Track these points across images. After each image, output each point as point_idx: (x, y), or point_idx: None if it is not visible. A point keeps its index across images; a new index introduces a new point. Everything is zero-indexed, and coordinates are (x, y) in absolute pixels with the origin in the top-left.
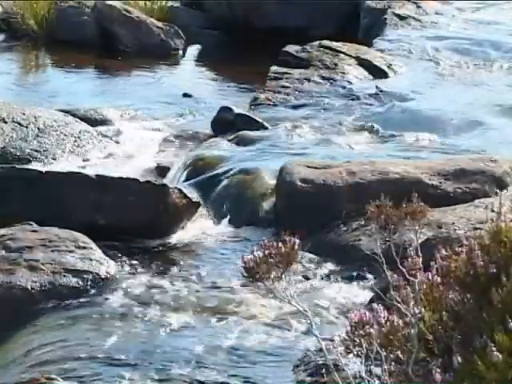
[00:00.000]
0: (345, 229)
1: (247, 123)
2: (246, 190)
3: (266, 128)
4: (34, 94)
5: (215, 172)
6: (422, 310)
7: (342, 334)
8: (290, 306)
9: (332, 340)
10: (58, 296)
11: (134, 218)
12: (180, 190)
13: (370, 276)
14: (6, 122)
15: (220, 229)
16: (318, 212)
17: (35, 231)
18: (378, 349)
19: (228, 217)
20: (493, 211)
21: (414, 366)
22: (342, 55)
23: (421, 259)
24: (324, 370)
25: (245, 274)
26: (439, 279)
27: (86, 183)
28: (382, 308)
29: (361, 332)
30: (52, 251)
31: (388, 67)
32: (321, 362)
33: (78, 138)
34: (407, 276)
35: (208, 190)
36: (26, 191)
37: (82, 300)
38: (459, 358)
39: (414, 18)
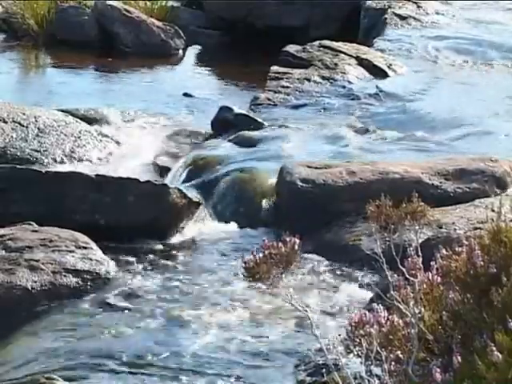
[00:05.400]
0: (345, 229)
1: (247, 123)
2: (246, 190)
3: (266, 128)
4: (34, 94)
5: (215, 172)
6: (422, 309)
7: (342, 333)
8: (290, 305)
9: (332, 340)
10: (58, 296)
11: (133, 218)
12: (180, 190)
13: (370, 276)
14: (6, 122)
15: (220, 229)
16: (318, 212)
17: (35, 231)
18: (378, 349)
19: (228, 217)
20: (493, 211)
21: (414, 365)
22: (342, 55)
23: (421, 259)
24: (324, 370)
25: (245, 274)
26: (439, 279)
27: (86, 183)
28: (382, 308)
29: (361, 332)
30: (52, 251)
31: (388, 67)
32: (321, 362)
33: (78, 137)
34: (407, 276)
35: (208, 190)
36: (26, 191)
37: (82, 300)
38: (459, 358)
39: (414, 18)
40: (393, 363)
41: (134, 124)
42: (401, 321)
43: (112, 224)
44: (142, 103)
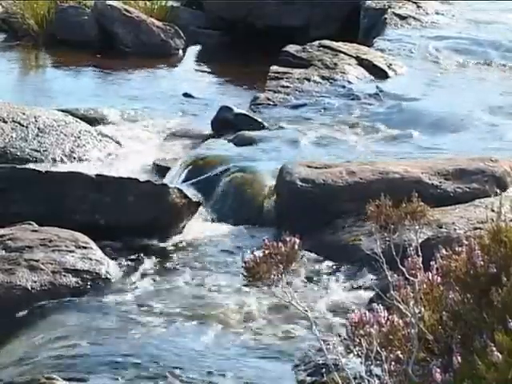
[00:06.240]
0: (345, 229)
1: (247, 123)
2: (246, 190)
3: (266, 128)
4: (34, 93)
5: (215, 172)
6: (422, 309)
7: (342, 333)
8: (290, 305)
9: (332, 340)
10: (58, 296)
11: (133, 218)
12: (180, 190)
13: (370, 276)
14: (6, 122)
15: (220, 229)
16: (318, 212)
17: (35, 231)
18: (378, 349)
19: (228, 217)
20: (493, 211)
21: (414, 365)
22: (342, 55)
23: (421, 259)
24: (324, 370)
25: (245, 274)
26: (439, 279)
27: (86, 183)
28: (382, 308)
29: (361, 332)
30: (52, 251)
31: (388, 67)
32: (321, 362)
33: (78, 137)
34: (407, 276)
35: (208, 190)
36: (26, 191)
37: (81, 300)
38: (459, 358)
39: (414, 18)
40: (393, 363)
41: (134, 124)
42: (401, 321)
43: (112, 224)
44: (141, 103)
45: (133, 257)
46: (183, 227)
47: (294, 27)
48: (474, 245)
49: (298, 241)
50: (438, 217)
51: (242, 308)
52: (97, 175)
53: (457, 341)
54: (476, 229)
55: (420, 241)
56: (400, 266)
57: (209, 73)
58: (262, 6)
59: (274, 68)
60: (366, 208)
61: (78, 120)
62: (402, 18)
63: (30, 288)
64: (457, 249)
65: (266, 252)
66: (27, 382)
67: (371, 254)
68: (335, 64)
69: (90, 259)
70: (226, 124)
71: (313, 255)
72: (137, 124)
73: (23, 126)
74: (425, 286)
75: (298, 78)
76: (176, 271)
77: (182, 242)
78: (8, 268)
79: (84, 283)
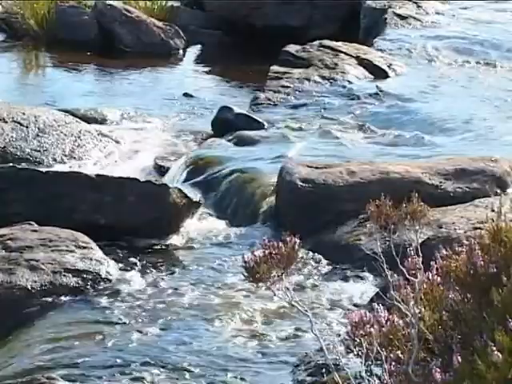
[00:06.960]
0: (345, 229)
1: (247, 123)
2: (246, 190)
3: (266, 128)
4: (34, 93)
5: (215, 172)
6: (422, 309)
7: (343, 333)
8: (290, 305)
9: (332, 340)
10: (58, 296)
11: (134, 218)
12: (180, 190)
13: (370, 276)
14: (6, 122)
15: (220, 228)
16: (318, 212)
17: (35, 231)
18: (378, 349)
19: (228, 216)
20: (493, 211)
21: (414, 365)
22: (342, 55)
23: (421, 259)
24: (324, 370)
25: (245, 274)
26: (439, 279)
27: (86, 183)
28: (382, 308)
29: (361, 332)
30: (52, 251)
31: (388, 67)
32: (321, 362)
33: (78, 137)
34: (407, 276)
35: (208, 190)
36: (26, 191)
37: (82, 300)
38: (459, 358)
39: (414, 18)
40: (393, 363)
41: (134, 124)
42: (401, 321)
43: (112, 224)
44: (142, 103)
45: (133, 257)
46: (183, 227)
47: (293, 27)
48: (473, 245)
49: (298, 241)
50: (438, 217)
51: (242, 308)
52: (97, 175)
53: (457, 341)
54: (476, 229)
55: (420, 241)
56: (400, 266)
57: (209, 73)
58: (261, 5)
59: (274, 68)
60: (366, 208)
61: (78, 120)
62: (402, 17)
63: (30, 288)
64: (457, 249)
65: (266, 252)
66: (27, 382)
67: (371, 254)
68: (335, 64)
69: (90, 259)
70: (226, 124)
71: (313, 255)
72: (137, 124)
73: (23, 126)
74: (425, 285)
75: (297, 78)
76: (176, 271)
77: (182, 242)
78: (8, 268)
79: (84, 283)
